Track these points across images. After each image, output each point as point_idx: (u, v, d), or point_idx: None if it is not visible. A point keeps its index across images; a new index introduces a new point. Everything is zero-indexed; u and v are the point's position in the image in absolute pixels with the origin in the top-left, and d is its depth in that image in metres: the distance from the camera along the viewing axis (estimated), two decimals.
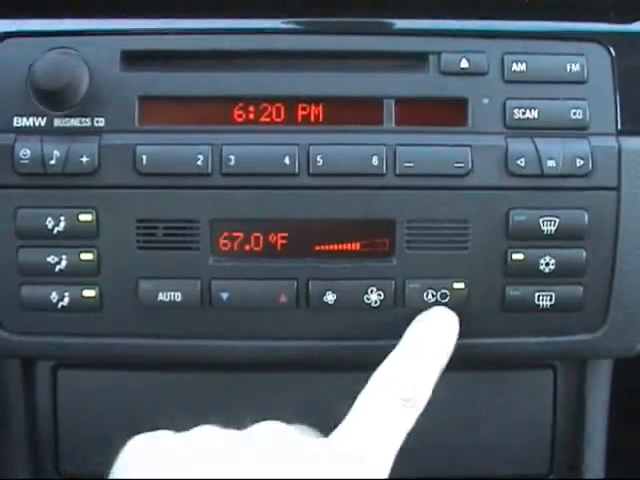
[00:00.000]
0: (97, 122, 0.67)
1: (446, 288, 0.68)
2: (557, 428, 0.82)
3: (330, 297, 0.68)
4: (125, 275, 0.68)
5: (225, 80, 0.68)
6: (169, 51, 0.69)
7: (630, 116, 0.69)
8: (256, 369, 0.76)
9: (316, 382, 0.77)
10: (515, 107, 0.68)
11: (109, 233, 0.67)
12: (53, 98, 0.66)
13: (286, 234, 0.68)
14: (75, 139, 0.67)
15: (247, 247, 0.68)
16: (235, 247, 0.68)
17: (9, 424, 0.80)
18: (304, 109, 0.68)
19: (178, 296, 0.68)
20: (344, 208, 0.68)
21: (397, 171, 0.67)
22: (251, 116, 0.68)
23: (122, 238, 0.67)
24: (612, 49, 0.69)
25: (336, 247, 0.68)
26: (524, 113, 0.68)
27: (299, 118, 0.68)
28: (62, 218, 0.67)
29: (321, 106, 0.68)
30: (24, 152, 0.66)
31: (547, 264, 0.68)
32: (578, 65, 0.69)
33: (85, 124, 0.67)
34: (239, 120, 0.68)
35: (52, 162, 0.66)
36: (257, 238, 0.68)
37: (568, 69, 0.69)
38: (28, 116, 0.67)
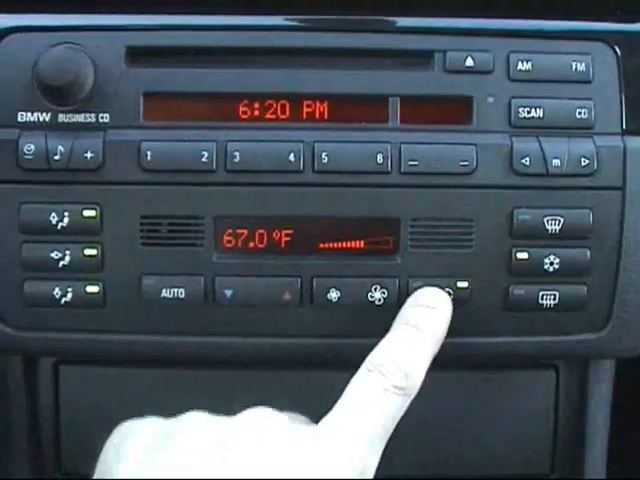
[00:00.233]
0: (102, 118, 0.67)
1: (450, 287, 0.68)
2: (559, 428, 0.82)
3: (334, 295, 0.68)
4: (129, 271, 0.68)
5: (230, 77, 0.68)
6: (174, 47, 0.68)
7: (635, 116, 0.69)
8: (259, 366, 0.76)
9: (319, 380, 0.77)
10: (520, 106, 0.68)
11: (113, 229, 0.67)
12: (58, 93, 0.66)
13: (290, 231, 0.68)
14: (79, 135, 0.66)
15: (251, 244, 0.68)
16: (239, 244, 0.68)
17: (11, 421, 0.80)
18: (309, 106, 0.68)
19: (182, 292, 0.68)
20: (348, 206, 0.67)
21: (402, 169, 0.67)
22: (256, 113, 0.68)
23: (126, 234, 0.67)
24: (618, 48, 0.69)
25: (340, 245, 0.68)
26: (529, 112, 0.68)
27: (304, 115, 0.68)
28: (66, 214, 0.67)
29: (326, 103, 0.68)
30: (28, 147, 0.66)
31: (551, 263, 0.68)
32: (583, 64, 0.69)
33: (90, 120, 0.67)
34: (244, 117, 0.68)
35: (56, 157, 0.66)
36: (261, 235, 0.68)
37: (573, 68, 0.68)
38: (32, 111, 0.67)
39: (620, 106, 0.69)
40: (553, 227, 0.68)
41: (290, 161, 0.67)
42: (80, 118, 0.67)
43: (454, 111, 0.69)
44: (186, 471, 0.51)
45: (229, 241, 0.68)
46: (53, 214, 0.67)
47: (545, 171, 0.67)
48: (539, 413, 0.81)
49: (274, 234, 0.68)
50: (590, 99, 0.68)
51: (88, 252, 0.67)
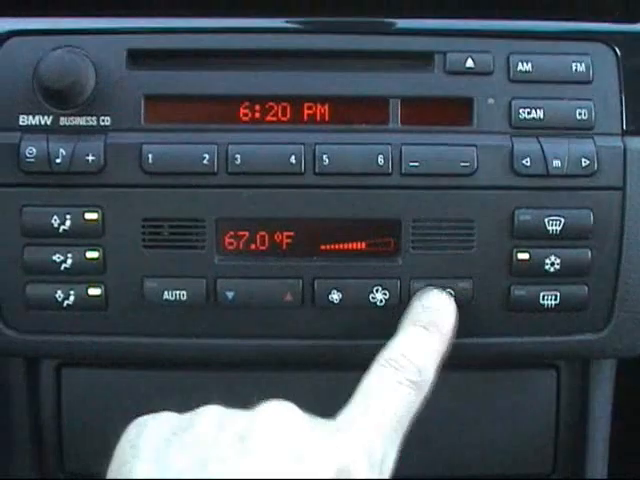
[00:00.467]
0: (103, 121, 0.67)
1: (451, 287, 0.68)
2: (560, 428, 0.82)
3: (335, 296, 0.68)
4: (130, 274, 0.68)
5: (231, 79, 0.68)
6: (175, 50, 0.69)
7: (635, 116, 0.69)
8: (261, 368, 0.76)
9: (320, 381, 0.77)
10: (521, 107, 0.68)
11: (115, 232, 0.67)
12: (59, 97, 0.66)
13: (292, 233, 0.68)
14: (81, 138, 0.67)
15: (253, 246, 0.68)
16: (241, 246, 0.68)
17: (13, 424, 0.80)
18: (310, 108, 0.68)
19: (183, 295, 0.68)
20: (349, 207, 0.68)
21: (402, 170, 0.67)
22: (257, 115, 0.68)
23: (128, 237, 0.68)
24: (618, 49, 0.69)
25: (341, 246, 0.68)
26: (529, 113, 0.68)
27: (305, 117, 0.68)
28: (68, 216, 0.67)
29: (327, 105, 0.68)
30: (30, 150, 0.66)
31: (552, 264, 0.68)
32: (584, 65, 0.69)
33: (91, 123, 0.67)
34: (245, 119, 0.68)
35: (58, 161, 0.66)
36: (263, 237, 0.68)
37: (574, 69, 0.69)
38: (34, 114, 0.67)
39: (620, 106, 0.69)
40: (554, 227, 0.68)
41: (291, 163, 0.67)
42: (81, 121, 0.67)
43: (455, 112, 0.69)
44: (204, 464, 0.50)
45: (231, 243, 0.68)
46: (55, 217, 0.67)
47: (546, 172, 0.67)
48: (540, 413, 0.81)
49: (275, 236, 0.68)
50: (590, 100, 0.68)
51: (90, 255, 0.68)
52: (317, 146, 0.67)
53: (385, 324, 0.67)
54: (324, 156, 0.67)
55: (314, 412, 0.77)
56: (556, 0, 0.73)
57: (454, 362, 0.64)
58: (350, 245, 0.68)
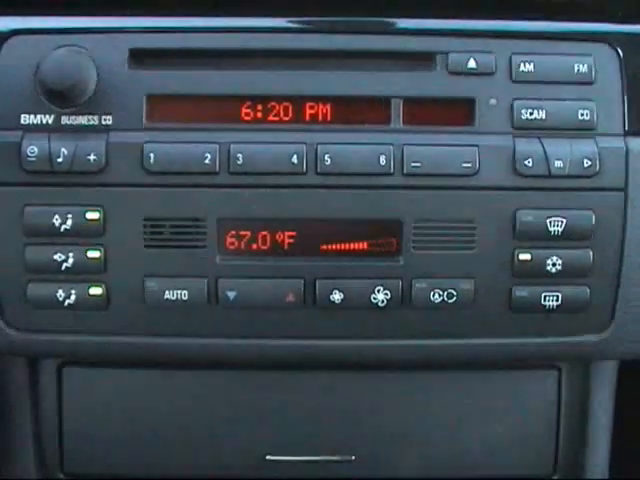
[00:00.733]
0: (105, 120, 0.67)
1: (453, 288, 0.68)
2: (561, 428, 0.82)
3: (337, 296, 0.68)
4: (132, 273, 0.68)
5: (233, 79, 0.68)
6: (177, 49, 0.69)
7: (638, 117, 0.69)
8: (262, 368, 0.76)
9: (321, 381, 0.77)
10: (523, 107, 0.68)
11: (116, 231, 0.67)
12: (61, 96, 0.66)
13: (293, 233, 0.68)
14: (83, 137, 0.67)
15: (254, 246, 0.68)
16: (242, 246, 0.68)
17: (14, 423, 0.80)
18: (312, 108, 0.68)
19: (185, 294, 0.68)
20: (351, 207, 0.67)
21: (404, 171, 0.67)
22: (259, 115, 0.68)
23: (129, 236, 0.67)
24: (620, 50, 0.69)
25: (343, 246, 0.68)
26: (531, 113, 0.68)
27: (307, 117, 0.68)
28: (69, 216, 0.67)
29: (329, 105, 0.68)
30: (31, 149, 0.66)
31: (554, 264, 0.68)
32: (586, 66, 0.69)
33: (93, 122, 0.67)
34: (247, 119, 0.68)
35: (59, 160, 0.66)
36: (264, 237, 0.68)
37: (576, 70, 0.69)
38: (35, 114, 0.67)
39: (622, 107, 0.69)
40: (555, 228, 0.68)
41: (293, 163, 0.67)
42: (83, 120, 0.67)
43: (457, 113, 0.69)
44: None
45: (232, 243, 0.68)
46: (56, 216, 0.67)
47: (547, 172, 0.67)
48: (541, 414, 0.81)
49: (277, 236, 0.68)
50: (592, 100, 0.68)
51: (91, 254, 0.67)
52: (319, 146, 0.67)
53: (386, 324, 0.67)
54: (326, 156, 0.67)
55: (314, 412, 0.77)
56: (558, 1, 0.73)
57: (454, 363, 0.64)
58: (352, 245, 0.68)
